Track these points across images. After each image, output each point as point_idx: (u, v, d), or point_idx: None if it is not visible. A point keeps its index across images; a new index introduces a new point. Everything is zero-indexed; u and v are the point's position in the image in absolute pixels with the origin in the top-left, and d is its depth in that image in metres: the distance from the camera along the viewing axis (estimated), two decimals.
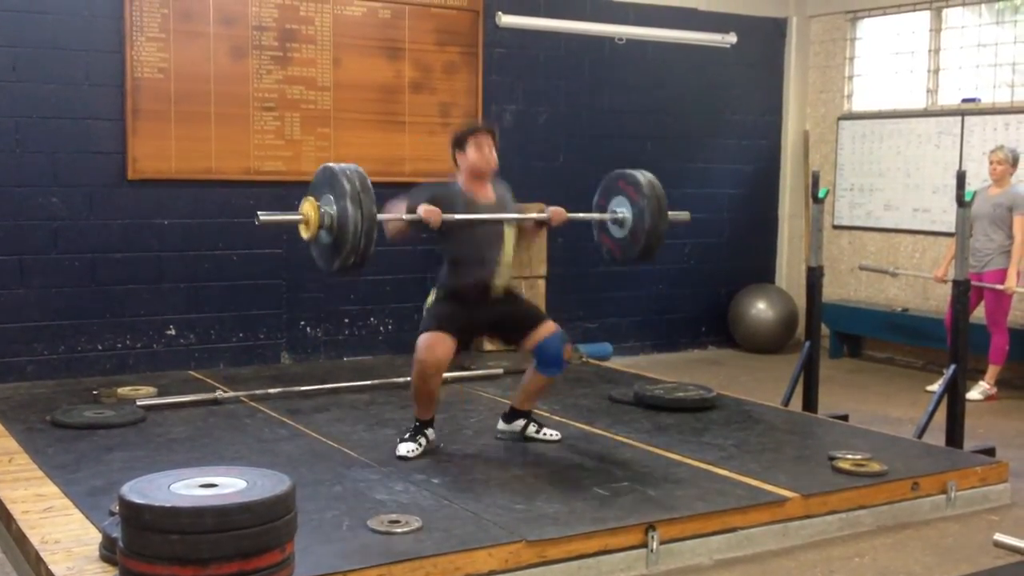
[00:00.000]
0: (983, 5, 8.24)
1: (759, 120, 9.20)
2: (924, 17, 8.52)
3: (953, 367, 5.46)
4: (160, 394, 6.01)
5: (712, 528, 4.13)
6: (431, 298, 4.89)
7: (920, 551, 4.23)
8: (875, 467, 4.70)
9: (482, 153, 4.84)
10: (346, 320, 7.52)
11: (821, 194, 6.04)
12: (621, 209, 5.09)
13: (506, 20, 7.89)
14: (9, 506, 4.09)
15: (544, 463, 4.86)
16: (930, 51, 8.49)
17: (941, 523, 4.58)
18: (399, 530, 3.81)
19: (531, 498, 4.26)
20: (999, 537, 3.86)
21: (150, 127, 6.75)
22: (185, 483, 3.28)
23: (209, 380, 6.54)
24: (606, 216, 5.14)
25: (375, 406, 5.95)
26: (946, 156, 8.23)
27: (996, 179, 7.09)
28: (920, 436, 5.51)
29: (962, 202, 5.42)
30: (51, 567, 3.48)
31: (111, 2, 6.61)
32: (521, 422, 5.18)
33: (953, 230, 5.88)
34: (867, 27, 9.05)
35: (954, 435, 5.41)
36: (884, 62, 8.86)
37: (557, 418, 5.62)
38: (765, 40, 9.16)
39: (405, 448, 4.82)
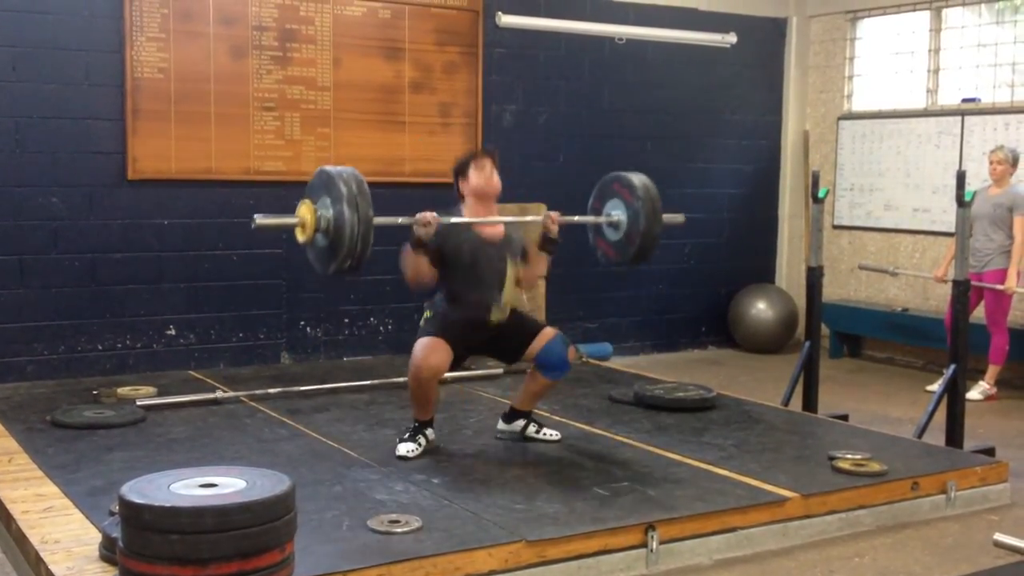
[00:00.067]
0: (983, 5, 8.24)
1: (759, 120, 9.20)
2: (924, 17, 8.52)
3: (953, 367, 5.46)
4: (160, 394, 6.01)
5: (712, 528, 4.13)
6: (427, 314, 4.89)
7: (920, 551, 4.23)
8: (875, 467, 4.70)
9: (483, 174, 4.84)
10: (346, 320, 7.52)
11: (821, 194, 6.04)
12: (616, 212, 5.07)
13: (506, 20, 7.89)
14: (9, 506, 4.09)
15: (544, 463, 4.86)
16: (930, 51, 8.49)
17: (941, 523, 4.58)
18: (399, 530, 3.81)
19: (531, 498, 4.26)
20: (999, 537, 3.86)
21: (150, 127, 6.75)
22: (185, 483, 3.28)
23: (209, 380, 6.54)
24: (601, 219, 5.13)
25: (375, 406, 5.95)
26: (946, 156, 8.23)
27: (996, 179, 7.09)
28: (920, 436, 5.52)
29: (962, 202, 5.43)
30: (51, 567, 3.48)
31: (111, 2, 6.61)
32: (521, 422, 5.18)
33: (953, 230, 5.88)
34: (867, 27, 9.05)
35: (954, 435, 5.41)
36: (884, 62, 8.86)
37: (557, 418, 5.62)
38: (765, 40, 9.16)
39: (405, 448, 4.82)
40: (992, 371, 7.15)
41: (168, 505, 3.09)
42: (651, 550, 3.96)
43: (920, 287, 8.43)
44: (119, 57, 6.65)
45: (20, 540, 3.85)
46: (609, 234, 5.14)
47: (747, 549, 4.17)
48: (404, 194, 7.50)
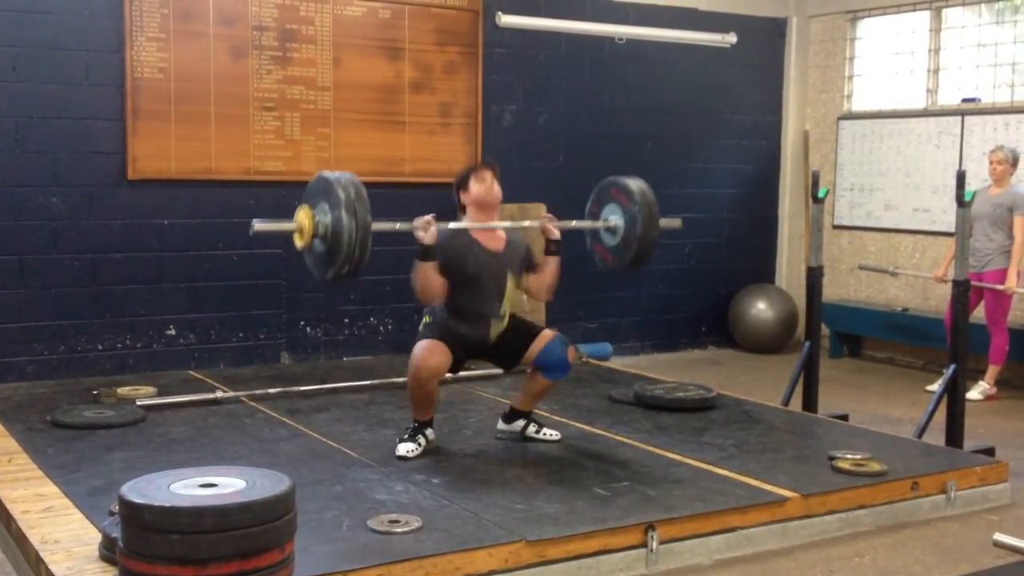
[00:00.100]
0: (983, 5, 8.24)
1: (759, 120, 9.20)
2: (924, 17, 8.52)
3: (953, 367, 5.46)
4: (160, 394, 6.01)
5: (712, 528, 4.13)
6: (426, 319, 4.90)
7: (920, 551, 4.23)
8: (875, 467, 4.70)
9: (484, 184, 4.86)
10: (346, 320, 7.52)
11: (821, 194, 6.04)
12: (613, 217, 5.08)
13: (506, 20, 7.89)
14: (9, 506, 4.09)
15: (544, 463, 4.86)
16: (930, 51, 8.49)
17: (941, 523, 4.58)
18: (399, 530, 3.81)
19: (531, 498, 4.26)
20: (999, 537, 3.86)
21: (150, 127, 6.75)
22: (185, 483, 3.28)
23: (209, 380, 6.54)
24: (598, 224, 5.14)
25: (375, 406, 5.95)
26: (946, 156, 8.23)
27: (996, 179, 7.09)
28: (920, 436, 5.52)
29: (962, 202, 5.43)
30: (51, 567, 3.48)
31: (111, 2, 6.61)
32: (521, 422, 5.18)
33: (953, 230, 5.88)
34: (867, 27, 9.05)
35: (954, 435, 5.41)
36: (884, 62, 8.86)
37: (557, 418, 5.62)
38: (765, 40, 9.16)
39: (405, 448, 4.82)
40: (992, 371, 7.15)
41: (168, 505, 3.09)
42: (651, 550, 3.96)
43: (920, 287, 8.43)
44: (119, 57, 6.65)
45: (20, 540, 3.85)
46: (606, 239, 5.15)
47: (747, 549, 4.17)
48: (404, 194, 7.51)
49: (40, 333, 6.59)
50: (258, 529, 3.12)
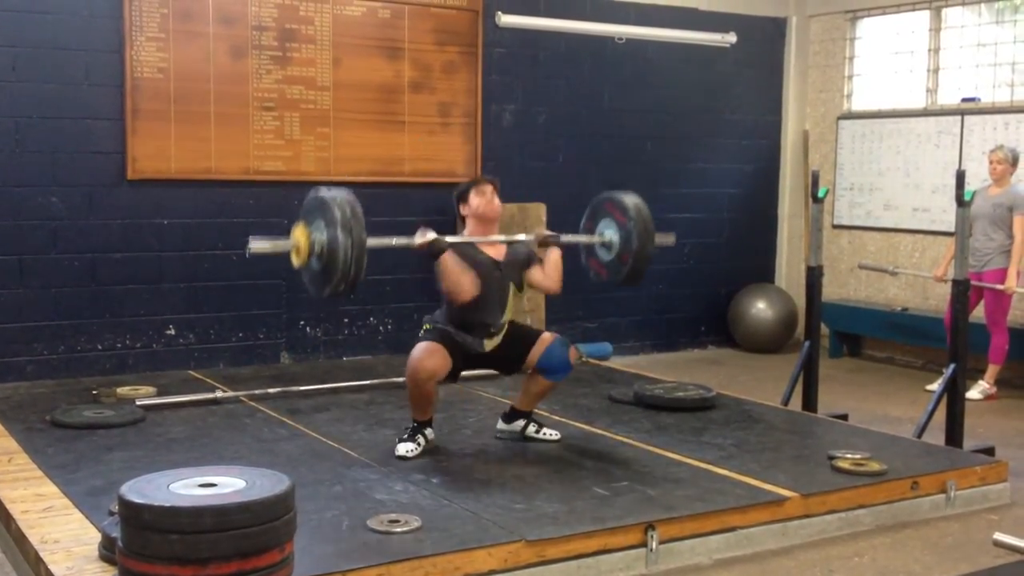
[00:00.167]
0: (983, 4, 8.24)
1: (759, 120, 9.20)
2: (924, 16, 8.52)
3: (953, 366, 5.46)
4: (160, 394, 6.01)
5: (711, 528, 4.13)
6: (426, 326, 4.91)
7: (919, 550, 4.23)
8: (874, 466, 4.70)
9: (485, 197, 4.88)
10: (346, 320, 7.52)
11: (821, 194, 6.04)
12: (608, 232, 5.08)
13: (506, 20, 7.88)
14: (9, 506, 4.09)
15: (544, 463, 4.86)
16: (930, 50, 8.49)
17: (940, 522, 4.59)
18: (398, 530, 3.81)
19: (531, 498, 4.26)
20: (999, 536, 3.85)
21: (150, 127, 6.75)
22: (184, 483, 3.28)
23: (209, 380, 6.54)
24: (594, 239, 5.14)
25: (375, 406, 5.95)
26: (946, 156, 8.23)
27: (996, 179, 7.09)
28: (920, 435, 5.52)
29: (962, 202, 5.43)
30: (51, 567, 3.48)
31: (111, 2, 6.61)
32: (521, 422, 5.18)
33: (953, 229, 5.88)
34: (867, 27, 9.05)
35: (954, 434, 5.41)
36: (884, 62, 8.86)
37: (557, 418, 5.62)
38: (765, 40, 9.16)
39: (404, 448, 4.83)
40: (992, 370, 7.15)
41: (168, 505, 3.09)
42: (651, 550, 3.96)
43: (920, 287, 8.43)
44: (119, 57, 6.65)
45: (20, 540, 3.85)
46: (601, 254, 5.15)
47: (747, 549, 4.17)
48: (403, 194, 7.52)
49: (40, 333, 6.58)
50: (258, 529, 3.12)
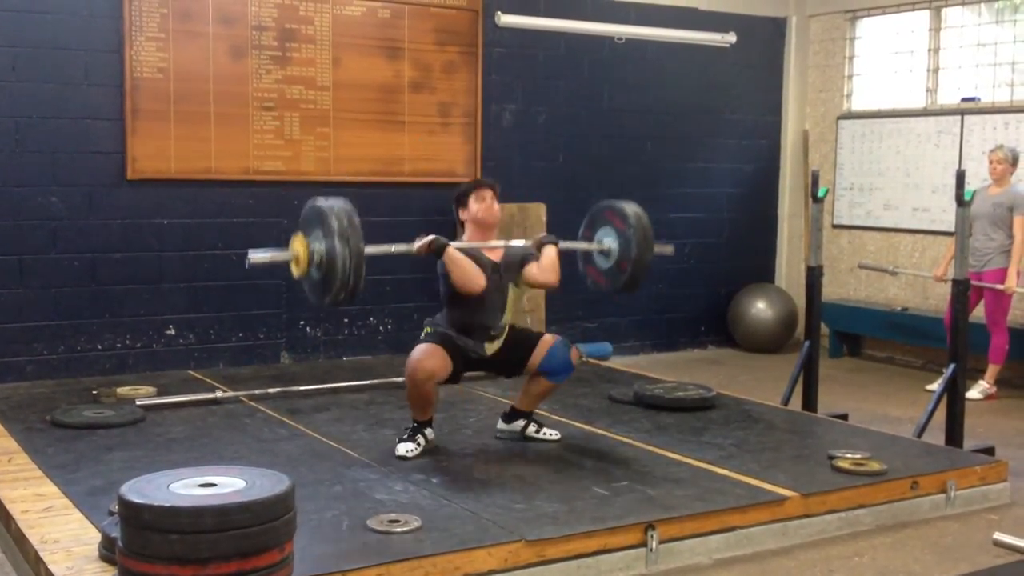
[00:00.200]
0: (983, 4, 8.24)
1: (759, 120, 9.20)
2: (923, 16, 8.52)
3: (953, 366, 5.46)
4: (160, 394, 6.01)
5: (711, 527, 4.13)
6: (427, 330, 4.91)
7: (919, 550, 4.23)
8: (874, 466, 4.70)
9: (484, 203, 4.88)
10: (345, 320, 7.52)
11: (821, 193, 6.04)
12: (607, 239, 5.09)
13: (506, 20, 7.88)
14: (8, 506, 4.09)
15: (544, 463, 4.86)
16: (929, 50, 8.49)
17: (940, 522, 4.59)
18: (398, 530, 3.81)
19: (531, 498, 4.26)
20: (998, 536, 3.85)
21: (149, 127, 6.75)
22: (184, 483, 3.28)
23: (209, 380, 6.54)
24: (592, 246, 5.14)
25: (375, 406, 5.95)
26: (946, 155, 8.23)
27: (996, 179, 7.09)
28: (920, 435, 5.52)
29: (961, 201, 5.43)
30: (50, 567, 3.48)
31: (110, 2, 6.61)
32: (521, 422, 5.18)
33: (953, 229, 5.88)
34: (866, 26, 9.05)
35: (954, 434, 5.41)
36: (883, 61, 8.86)
37: (557, 418, 5.62)
38: (765, 40, 9.16)
39: (404, 448, 4.82)
40: (992, 370, 7.15)
41: (167, 505, 3.09)
42: (651, 549, 3.96)
43: (920, 286, 8.43)
44: (118, 57, 6.65)
45: (20, 540, 3.85)
46: (600, 261, 5.16)
47: (747, 548, 4.17)
48: (403, 194, 7.52)
49: (40, 333, 6.58)
50: (258, 529, 3.12)
